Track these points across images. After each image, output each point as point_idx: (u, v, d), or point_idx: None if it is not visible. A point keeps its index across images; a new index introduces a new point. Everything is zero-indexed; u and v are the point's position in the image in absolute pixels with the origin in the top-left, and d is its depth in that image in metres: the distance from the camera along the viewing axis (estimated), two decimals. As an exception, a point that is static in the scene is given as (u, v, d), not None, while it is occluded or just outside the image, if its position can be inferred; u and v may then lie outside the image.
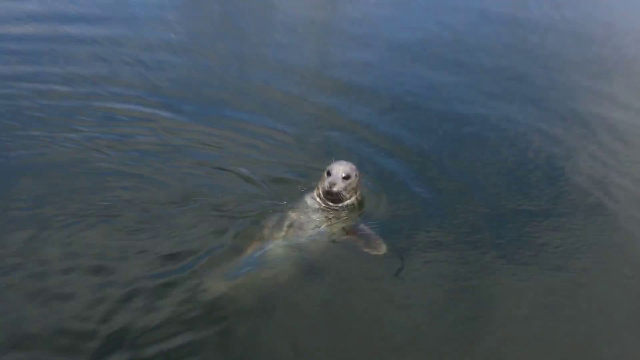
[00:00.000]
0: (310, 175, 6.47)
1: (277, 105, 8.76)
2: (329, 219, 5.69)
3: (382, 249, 5.26)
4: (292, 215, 5.64)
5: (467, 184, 7.06)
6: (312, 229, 5.50)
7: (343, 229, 5.56)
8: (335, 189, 5.44)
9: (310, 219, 5.57)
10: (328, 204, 5.72)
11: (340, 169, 5.56)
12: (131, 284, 4.93)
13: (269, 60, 10.65)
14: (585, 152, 8.21)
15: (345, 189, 5.52)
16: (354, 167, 5.74)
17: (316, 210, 5.69)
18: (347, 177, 5.56)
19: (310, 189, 6.04)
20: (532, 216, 6.48)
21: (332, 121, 8.42)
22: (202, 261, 5.20)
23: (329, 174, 5.58)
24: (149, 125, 7.57)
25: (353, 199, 5.78)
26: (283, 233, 5.44)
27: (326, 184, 5.48)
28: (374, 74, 10.58)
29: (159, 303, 4.81)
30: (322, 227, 5.54)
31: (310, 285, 5.13)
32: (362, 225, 5.64)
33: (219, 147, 7.24)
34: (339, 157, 5.97)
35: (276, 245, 5.29)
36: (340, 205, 5.62)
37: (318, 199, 5.82)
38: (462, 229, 6.05)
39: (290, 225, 5.51)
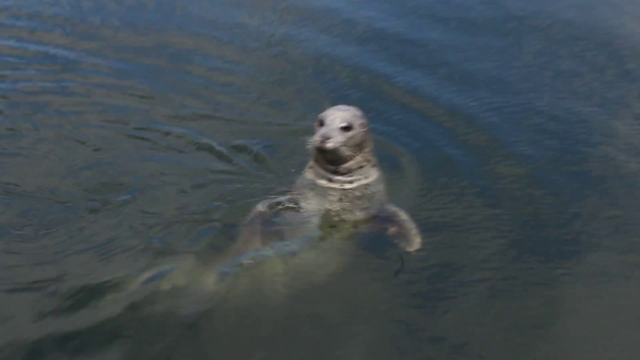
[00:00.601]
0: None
1: (236, 34, 7.47)
2: (335, 198, 4.54)
3: (416, 243, 4.32)
4: (284, 202, 4.55)
5: (516, 145, 5.80)
6: (310, 222, 4.46)
7: (362, 210, 4.54)
8: (329, 145, 4.32)
9: (308, 205, 4.50)
10: (328, 171, 4.58)
11: (337, 115, 4.42)
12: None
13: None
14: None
15: (345, 144, 4.40)
16: (358, 112, 4.56)
17: (315, 187, 4.59)
18: (347, 128, 4.41)
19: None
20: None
21: (320, 57, 7.14)
22: (143, 292, 3.93)
23: (321, 123, 4.49)
24: (48, 67, 6.44)
25: (359, 159, 4.56)
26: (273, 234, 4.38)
27: (316, 138, 4.39)
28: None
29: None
30: (324, 213, 4.49)
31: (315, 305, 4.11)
32: (391, 207, 4.58)
33: (155, 100, 6.04)
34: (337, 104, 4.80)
35: (264, 254, 4.25)
36: (342, 167, 4.52)
37: (319, 169, 4.63)
38: (510, 213, 4.91)
39: (283, 222, 4.44)
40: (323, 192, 4.56)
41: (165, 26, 7.46)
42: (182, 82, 6.37)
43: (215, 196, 4.72)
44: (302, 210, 4.48)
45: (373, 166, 4.64)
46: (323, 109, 4.59)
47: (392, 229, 4.43)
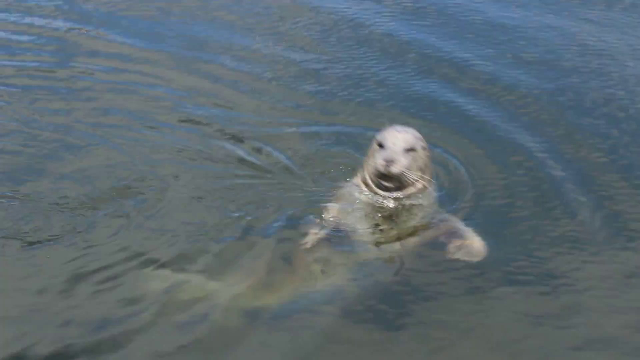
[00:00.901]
0: (352, 143, 5.18)
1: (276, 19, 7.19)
2: (387, 220, 4.44)
3: (480, 252, 4.19)
4: (333, 223, 4.37)
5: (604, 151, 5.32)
6: (363, 245, 4.32)
7: (415, 231, 4.44)
8: (394, 170, 4.29)
9: (358, 224, 4.38)
10: (379, 195, 4.48)
11: (399, 137, 4.37)
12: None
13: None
14: None
15: (409, 167, 4.38)
16: (418, 134, 4.56)
17: (364, 206, 4.48)
18: (410, 150, 4.41)
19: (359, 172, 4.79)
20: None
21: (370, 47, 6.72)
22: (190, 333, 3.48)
23: (381, 145, 4.41)
24: (52, 47, 6.34)
25: (420, 184, 4.49)
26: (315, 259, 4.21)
27: (379, 162, 4.32)
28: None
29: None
30: (375, 236, 4.37)
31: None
32: (446, 217, 4.49)
33: (176, 94, 5.73)
34: (392, 118, 4.77)
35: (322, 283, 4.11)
36: (400, 195, 4.45)
37: (364, 187, 4.55)
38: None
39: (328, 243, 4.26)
40: (374, 210, 4.43)
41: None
42: (209, 71, 6.10)
43: (256, 207, 4.37)
44: (352, 230, 4.35)
45: (431, 188, 4.53)
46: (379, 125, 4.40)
47: (453, 245, 4.28)
